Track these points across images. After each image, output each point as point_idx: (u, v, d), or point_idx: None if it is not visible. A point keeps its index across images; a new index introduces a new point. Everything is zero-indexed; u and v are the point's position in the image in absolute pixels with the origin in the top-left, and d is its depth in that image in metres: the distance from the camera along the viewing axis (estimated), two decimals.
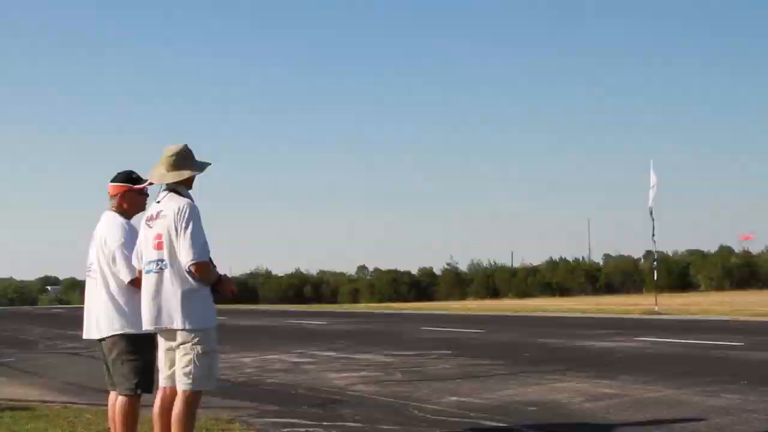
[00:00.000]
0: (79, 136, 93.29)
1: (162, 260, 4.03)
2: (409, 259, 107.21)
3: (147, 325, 4.13)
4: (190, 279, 4.01)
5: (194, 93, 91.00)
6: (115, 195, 4.59)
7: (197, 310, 4.04)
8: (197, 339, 4.03)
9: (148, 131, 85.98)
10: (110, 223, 4.53)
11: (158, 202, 4.20)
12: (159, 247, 4.05)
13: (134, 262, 4.28)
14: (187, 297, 4.01)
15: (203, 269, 4.01)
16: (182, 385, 4.03)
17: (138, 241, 4.25)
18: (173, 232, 4.02)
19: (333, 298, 58.51)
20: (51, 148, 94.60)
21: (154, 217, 4.15)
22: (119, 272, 4.38)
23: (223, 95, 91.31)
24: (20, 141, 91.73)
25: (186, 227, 3.99)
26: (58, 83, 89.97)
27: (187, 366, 4.02)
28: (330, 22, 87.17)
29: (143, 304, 4.13)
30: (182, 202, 4.10)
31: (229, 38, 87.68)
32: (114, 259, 4.40)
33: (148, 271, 4.11)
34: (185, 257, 3.98)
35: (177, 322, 4.01)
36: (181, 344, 4.04)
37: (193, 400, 4.05)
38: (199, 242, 4.00)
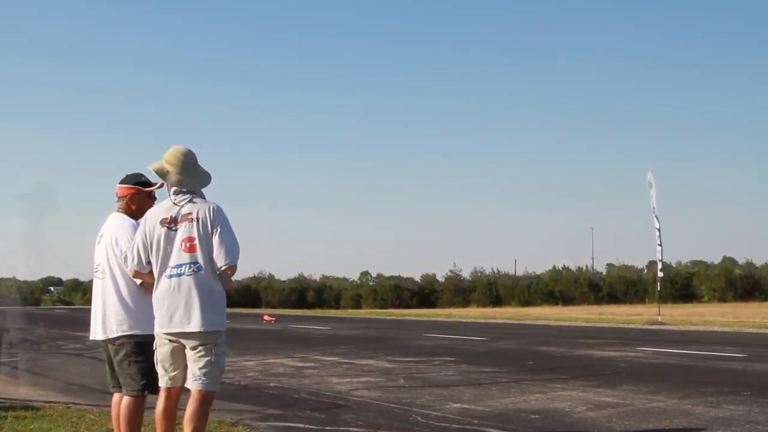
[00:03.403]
0: (81, 136, 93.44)
1: (196, 263, 4.04)
2: (412, 265, 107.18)
3: (164, 327, 4.09)
4: (213, 281, 4.06)
5: (195, 94, 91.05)
6: (123, 196, 4.60)
7: (218, 312, 4.10)
8: (215, 340, 4.08)
9: (149, 132, 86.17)
10: (120, 224, 4.52)
11: (177, 204, 4.15)
12: (191, 249, 4.05)
13: (132, 263, 4.19)
14: (212, 299, 4.06)
15: (234, 271, 4.12)
16: (200, 384, 4.05)
17: (140, 243, 4.17)
18: (209, 235, 4.05)
19: (335, 304, 58.51)
20: (53, 148, 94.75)
21: (178, 219, 4.11)
22: (131, 272, 4.38)
23: (226, 96, 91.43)
24: (22, 140, 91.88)
25: (222, 230, 4.06)
26: (60, 82, 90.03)
27: (205, 367, 4.05)
28: (334, 22, 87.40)
29: (162, 306, 4.09)
30: (211, 204, 4.15)
31: (231, 38, 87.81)
32: (126, 260, 4.40)
33: (174, 275, 4.06)
34: (222, 259, 4.03)
35: (199, 324, 4.02)
36: (200, 345, 4.06)
37: (209, 399, 4.10)
38: (235, 244, 4.09)
